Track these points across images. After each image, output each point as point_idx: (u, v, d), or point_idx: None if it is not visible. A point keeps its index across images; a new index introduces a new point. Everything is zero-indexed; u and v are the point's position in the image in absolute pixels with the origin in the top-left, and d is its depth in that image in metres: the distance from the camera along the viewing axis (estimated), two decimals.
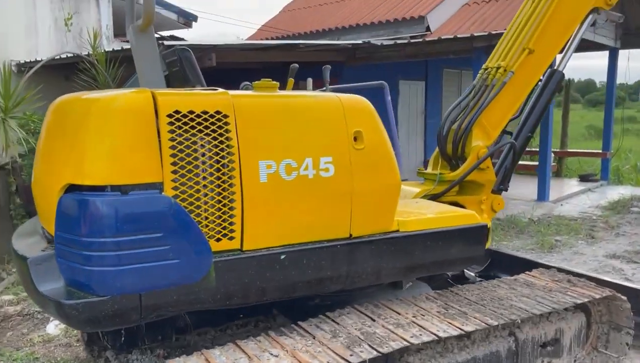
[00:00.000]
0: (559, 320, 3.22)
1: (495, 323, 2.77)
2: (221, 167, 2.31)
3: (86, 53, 6.68)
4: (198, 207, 2.27)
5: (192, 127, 2.27)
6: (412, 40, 7.79)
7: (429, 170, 3.89)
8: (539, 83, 4.07)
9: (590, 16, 4.16)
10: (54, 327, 4.30)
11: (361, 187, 2.60)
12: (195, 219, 2.26)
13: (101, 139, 2.19)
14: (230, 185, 2.32)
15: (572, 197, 10.05)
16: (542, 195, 9.24)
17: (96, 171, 2.17)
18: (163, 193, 2.20)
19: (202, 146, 2.28)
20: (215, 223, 2.31)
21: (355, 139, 2.60)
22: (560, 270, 3.70)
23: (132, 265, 2.16)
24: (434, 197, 3.66)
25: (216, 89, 2.48)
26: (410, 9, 10.00)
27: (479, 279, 3.97)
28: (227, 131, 2.32)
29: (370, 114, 2.68)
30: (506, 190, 3.94)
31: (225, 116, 2.33)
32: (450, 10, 9.79)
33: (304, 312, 2.87)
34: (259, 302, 2.54)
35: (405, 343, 2.50)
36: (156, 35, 10.10)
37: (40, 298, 2.29)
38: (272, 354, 2.42)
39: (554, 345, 3.20)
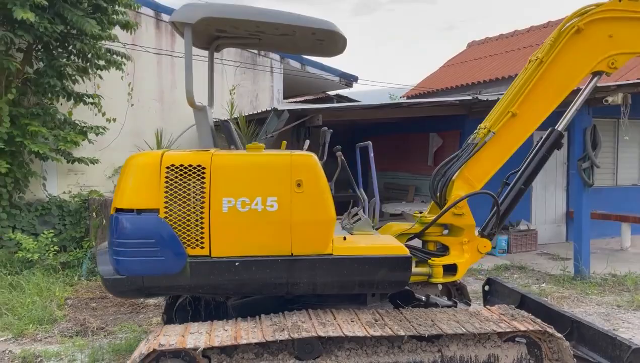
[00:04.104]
0: (492, 347, 3.70)
1: (402, 333, 3.49)
2: (196, 201, 3.60)
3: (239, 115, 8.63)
4: (179, 225, 3.58)
5: (181, 175, 3.61)
6: None
7: (424, 213, 4.60)
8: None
9: (595, 79, 4.47)
10: None
11: (299, 219, 3.64)
12: (177, 233, 3.58)
13: (129, 180, 3.67)
14: (202, 213, 3.59)
15: None
16: None
17: (125, 199, 3.65)
18: (158, 215, 3.58)
19: (185, 187, 3.60)
20: (190, 236, 3.59)
21: (298, 185, 3.66)
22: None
23: (137, 257, 3.56)
24: (416, 236, 4.40)
25: (208, 150, 3.80)
26: None
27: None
28: (202, 178, 3.61)
29: (312, 167, 3.70)
30: (493, 235, 4.43)
31: (203, 168, 3.62)
32: None
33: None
34: (222, 294, 3.73)
35: (314, 334, 3.42)
36: (322, 95, 12.00)
37: (99, 275, 3.83)
38: (224, 329, 3.58)
39: None
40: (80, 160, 9.00)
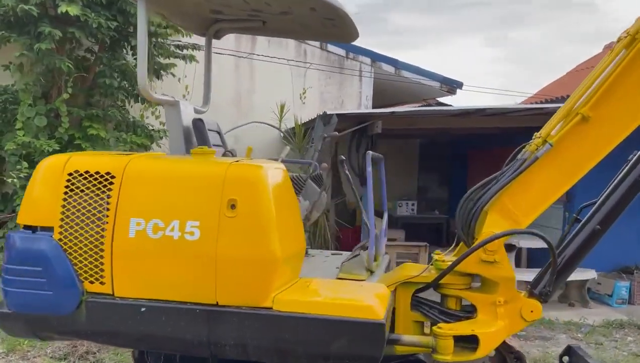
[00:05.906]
0: None
1: None
2: (97, 220, 2.70)
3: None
4: (75, 251, 2.70)
5: (83, 184, 2.74)
6: None
7: (450, 256, 3.27)
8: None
9: None
10: None
11: (226, 254, 2.57)
12: (71, 261, 2.70)
13: (33, 189, 2.88)
14: (102, 236, 2.68)
15: None
16: None
17: (23, 213, 2.86)
18: (52, 236, 2.73)
19: (86, 200, 2.72)
20: (88, 268, 2.70)
21: (231, 206, 2.60)
22: None
23: (24, 289, 2.74)
24: (429, 286, 3.10)
25: (129, 154, 2.89)
26: None
27: None
28: (109, 190, 2.71)
29: (254, 184, 2.62)
30: (548, 296, 2.98)
31: (112, 177, 2.72)
32: None
33: None
34: (127, 347, 2.77)
35: None
36: (423, 102, 10.70)
37: None
38: None
39: None
40: None
